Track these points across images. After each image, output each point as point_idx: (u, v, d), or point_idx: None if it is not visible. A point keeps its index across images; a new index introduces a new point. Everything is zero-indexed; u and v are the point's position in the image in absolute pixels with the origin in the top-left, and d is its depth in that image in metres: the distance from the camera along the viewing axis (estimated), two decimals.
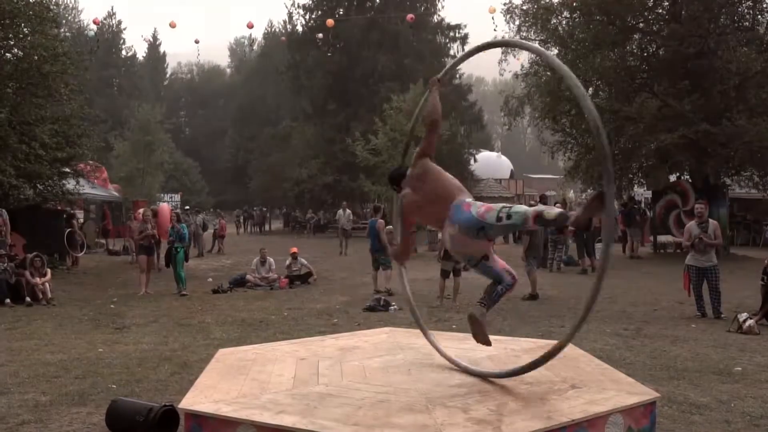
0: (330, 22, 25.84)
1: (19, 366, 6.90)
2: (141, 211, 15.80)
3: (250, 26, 24.62)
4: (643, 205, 25.41)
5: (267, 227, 42.14)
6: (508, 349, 4.98)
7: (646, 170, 21.26)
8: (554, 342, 5.48)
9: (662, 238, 21.66)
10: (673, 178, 22.12)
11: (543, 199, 18.96)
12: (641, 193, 25.45)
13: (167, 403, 4.57)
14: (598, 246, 17.71)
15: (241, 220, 41.01)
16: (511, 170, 50.82)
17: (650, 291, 13.17)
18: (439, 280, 11.74)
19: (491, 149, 63.89)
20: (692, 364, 7.01)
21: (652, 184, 21.78)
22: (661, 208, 21.24)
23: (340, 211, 25.11)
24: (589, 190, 27.05)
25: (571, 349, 5.02)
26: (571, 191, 34.41)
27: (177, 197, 43.57)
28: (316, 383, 4.14)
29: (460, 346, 5.22)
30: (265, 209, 45.27)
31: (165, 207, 15.92)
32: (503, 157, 51.41)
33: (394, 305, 11.29)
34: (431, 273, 14.51)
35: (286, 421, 3.40)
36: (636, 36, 21.65)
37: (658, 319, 10.02)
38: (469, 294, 12.56)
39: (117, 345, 8.14)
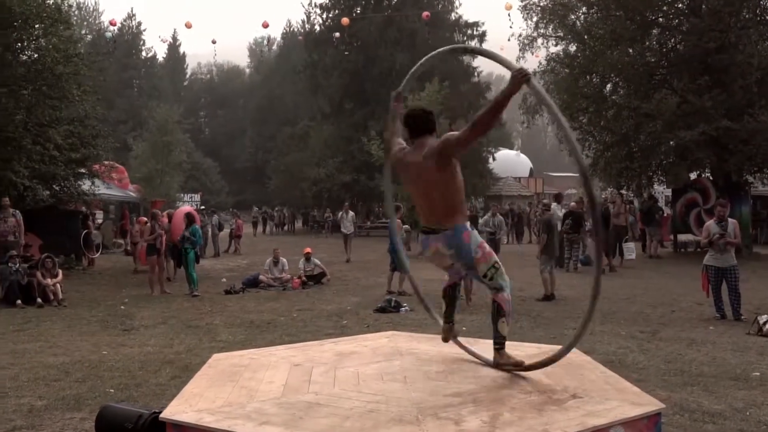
0: (345, 20, 25.74)
1: (20, 369, 6.84)
2: (143, 218, 15.75)
3: (265, 26, 24.59)
4: (663, 203, 25.01)
5: (289, 227, 42.06)
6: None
7: (665, 168, 20.87)
8: (558, 347, 5.30)
9: (683, 237, 21.25)
10: (693, 175, 21.71)
11: (558, 199, 18.67)
12: (661, 190, 25.03)
13: (157, 410, 4.43)
14: (627, 246, 17.60)
15: (260, 220, 40.90)
16: (531, 168, 50.53)
17: (669, 291, 12.88)
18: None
19: (511, 147, 63.57)
20: (708, 368, 6.77)
21: (672, 182, 21.39)
22: (682, 206, 20.85)
23: (342, 213, 23.09)
24: (609, 190, 26.68)
25: (576, 356, 4.83)
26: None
27: (197, 197, 43.73)
28: (306, 391, 3.98)
29: (462, 351, 5.04)
30: (288, 209, 45.21)
31: (180, 212, 15.77)
32: (522, 156, 51.16)
33: (405, 306, 11.16)
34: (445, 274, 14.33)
35: None
36: (655, 31, 21.28)
37: (675, 321, 9.76)
38: (481, 296, 12.40)
39: (122, 347, 8.07)
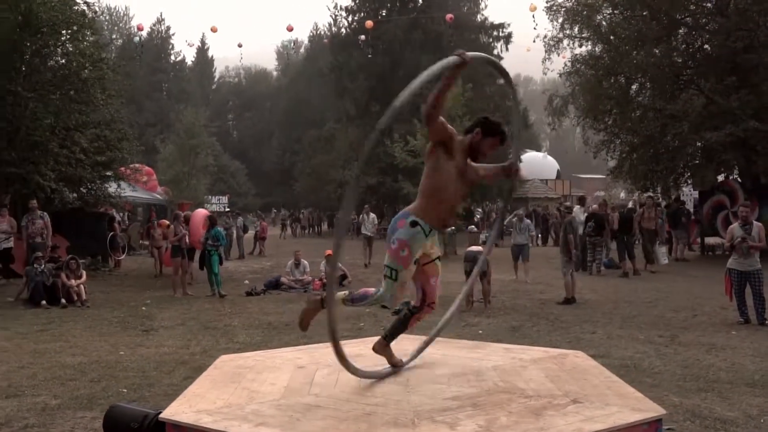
0: (369, 23, 25.80)
1: (39, 368, 6.96)
2: (165, 221, 15.80)
3: (290, 29, 24.80)
4: (691, 205, 24.64)
5: (317, 229, 42.19)
6: (516, 359, 4.75)
7: (692, 170, 20.56)
8: (571, 351, 5.26)
9: (710, 240, 20.91)
10: (721, 177, 21.36)
11: (582, 201, 18.50)
12: (688, 192, 24.66)
13: (162, 411, 4.49)
14: (661, 250, 17.38)
15: (288, 223, 40.98)
16: (558, 170, 50.09)
17: (693, 295, 12.66)
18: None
19: (538, 149, 63.15)
20: (725, 374, 6.65)
21: (699, 184, 21.06)
22: (709, 209, 20.51)
23: (363, 216, 22.23)
24: (637, 195, 26.37)
25: (583, 360, 4.79)
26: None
27: (224, 199, 44.12)
28: (306, 393, 4.01)
29: (469, 354, 5.03)
30: (314, 211, 45.37)
31: (197, 215, 15.87)
32: (549, 157, 50.77)
33: None
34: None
35: None
36: (681, 31, 20.99)
37: (696, 326, 9.60)
38: (501, 299, 12.35)
39: (139, 348, 8.17)
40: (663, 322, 9.95)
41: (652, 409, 3.59)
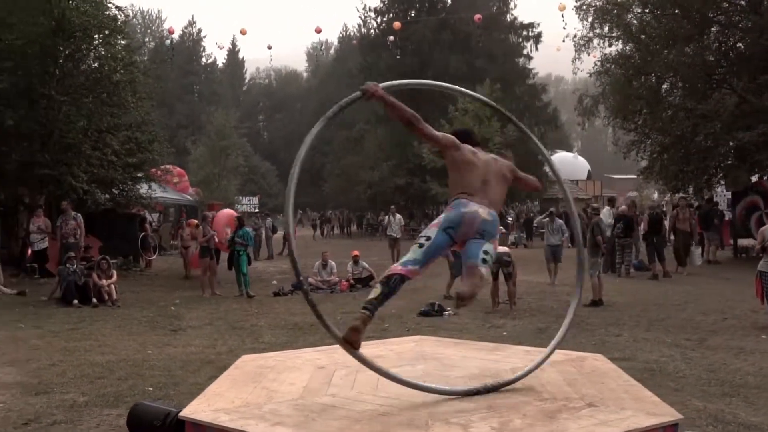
0: (397, 24, 25.86)
1: (68, 366, 7.12)
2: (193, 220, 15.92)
3: (318, 31, 24.91)
4: (725, 206, 24.20)
5: (346, 230, 42.36)
6: (534, 362, 4.75)
7: (724, 170, 20.22)
8: (591, 354, 5.24)
9: (743, 242, 20.52)
10: (755, 178, 20.96)
11: (612, 202, 18.31)
12: (722, 193, 24.24)
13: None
14: (698, 252, 17.08)
15: (318, 224, 41.14)
16: (589, 171, 49.63)
17: (724, 298, 12.46)
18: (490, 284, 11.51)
19: (569, 149, 62.61)
20: (753, 379, 6.54)
21: (731, 185, 20.69)
22: (742, 210, 20.14)
23: (389, 217, 21.31)
24: (669, 197, 26.01)
25: (602, 363, 4.78)
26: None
27: (255, 200, 44.49)
28: (324, 394, 4.06)
29: (487, 356, 5.04)
30: (344, 212, 45.53)
31: (222, 215, 16.01)
32: (580, 158, 50.32)
33: (449, 310, 11.11)
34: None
35: None
36: (713, 29, 20.65)
37: (725, 329, 9.45)
38: (527, 300, 12.29)
39: (167, 347, 8.31)
40: (691, 325, 9.81)
41: (668, 414, 3.57)
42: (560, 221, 15.13)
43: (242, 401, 3.90)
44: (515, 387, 4.14)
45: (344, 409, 3.73)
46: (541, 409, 3.66)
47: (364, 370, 4.57)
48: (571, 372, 4.46)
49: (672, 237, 17.67)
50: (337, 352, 5.35)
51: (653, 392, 4.32)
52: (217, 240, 14.30)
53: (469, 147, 4.32)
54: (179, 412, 4.38)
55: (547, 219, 15.60)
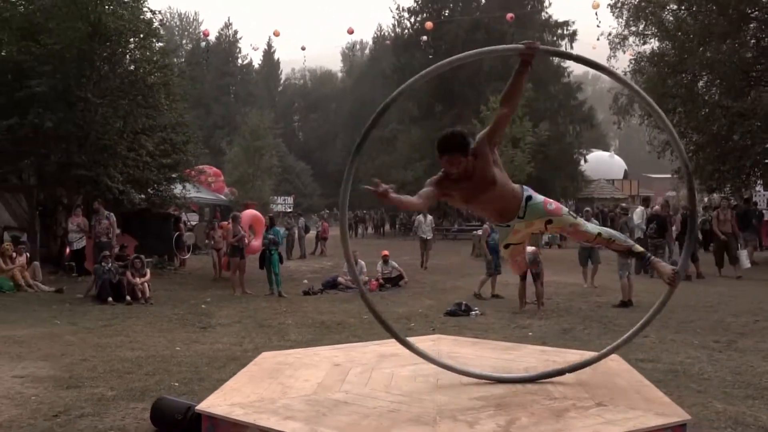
0: (429, 24, 25.86)
1: (99, 361, 7.33)
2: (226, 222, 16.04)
3: (350, 32, 25.07)
4: (765, 205, 23.67)
5: (380, 230, 42.47)
6: (549, 361, 4.77)
7: (762, 169, 19.80)
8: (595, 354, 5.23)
9: None
10: None
11: (646, 202, 18.06)
12: (761, 192, 23.71)
13: None
14: (741, 253, 15.90)
15: (353, 224, 41.22)
16: (625, 170, 48.96)
17: (757, 300, 12.21)
18: (518, 284, 11.51)
19: (606, 148, 61.81)
20: None
21: None
22: None
23: (420, 217, 20.24)
24: (709, 197, 25.54)
25: (618, 363, 4.78)
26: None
27: (290, 200, 44.88)
28: (337, 390, 4.14)
29: (502, 356, 5.07)
30: (377, 212, 45.61)
31: (245, 215, 16.17)
32: (616, 157, 49.68)
33: (476, 310, 11.12)
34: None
35: (289, 426, 3.42)
36: (751, 26, 20.23)
37: (757, 332, 9.29)
38: (556, 300, 12.22)
39: (195, 344, 8.48)
40: (721, 327, 9.67)
41: (676, 414, 3.57)
42: (596, 222, 13.98)
43: (257, 396, 4.01)
44: (525, 386, 4.17)
45: (355, 405, 3.81)
46: (550, 407, 3.69)
47: (379, 368, 4.66)
48: (585, 372, 4.46)
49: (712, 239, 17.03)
50: (355, 350, 5.45)
51: (674, 394, 4.33)
52: (247, 240, 14.48)
53: (443, 177, 4.06)
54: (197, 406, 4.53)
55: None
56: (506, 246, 4.33)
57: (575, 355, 5.07)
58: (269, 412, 3.67)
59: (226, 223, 15.72)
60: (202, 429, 3.87)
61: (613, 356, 5.01)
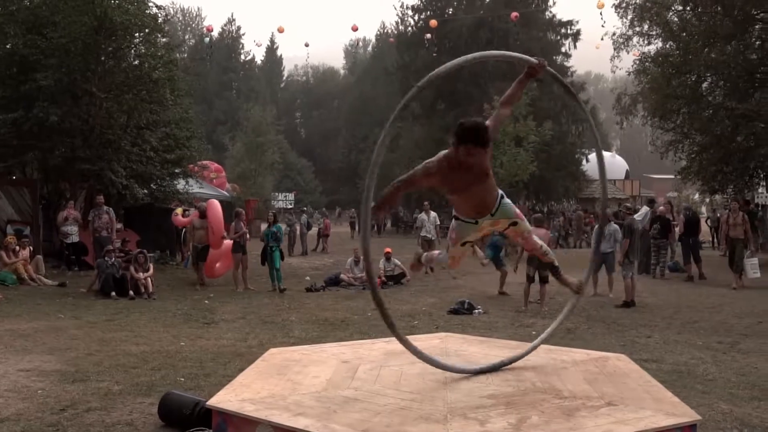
0: (433, 22, 25.83)
1: (105, 356, 7.35)
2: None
3: (354, 29, 25.05)
4: None
5: (382, 228, 42.41)
6: (557, 360, 4.78)
7: (765, 171, 19.81)
8: (614, 354, 5.24)
9: None
10: None
11: (651, 203, 18.06)
12: (764, 193, 23.72)
13: None
14: (751, 261, 14.27)
15: (356, 221, 41.15)
16: (627, 170, 48.95)
17: (761, 302, 12.23)
18: (524, 284, 11.54)
19: (608, 148, 61.82)
20: None
21: None
22: None
23: (422, 215, 18.77)
24: (709, 199, 25.51)
25: (625, 363, 4.78)
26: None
27: (291, 196, 44.88)
28: (347, 387, 4.14)
29: (510, 354, 5.06)
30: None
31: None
32: (617, 157, 49.67)
33: (479, 308, 11.14)
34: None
35: (300, 423, 3.43)
36: (756, 27, 20.22)
37: (760, 333, 9.31)
38: (559, 300, 12.22)
39: (199, 340, 8.50)
40: (725, 328, 9.69)
41: (686, 414, 3.58)
42: (615, 226, 12.61)
43: (267, 392, 4.01)
44: (536, 385, 4.17)
45: (365, 402, 3.81)
46: (560, 406, 3.70)
47: (387, 365, 4.67)
48: (593, 372, 4.47)
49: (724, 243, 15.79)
50: (362, 346, 5.45)
51: (679, 394, 4.33)
52: (248, 237, 14.50)
53: (446, 163, 3.99)
54: (207, 401, 4.53)
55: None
56: (463, 243, 4.44)
57: (581, 354, 5.08)
58: (280, 408, 3.67)
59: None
60: (212, 424, 3.88)
61: (621, 356, 5.02)
